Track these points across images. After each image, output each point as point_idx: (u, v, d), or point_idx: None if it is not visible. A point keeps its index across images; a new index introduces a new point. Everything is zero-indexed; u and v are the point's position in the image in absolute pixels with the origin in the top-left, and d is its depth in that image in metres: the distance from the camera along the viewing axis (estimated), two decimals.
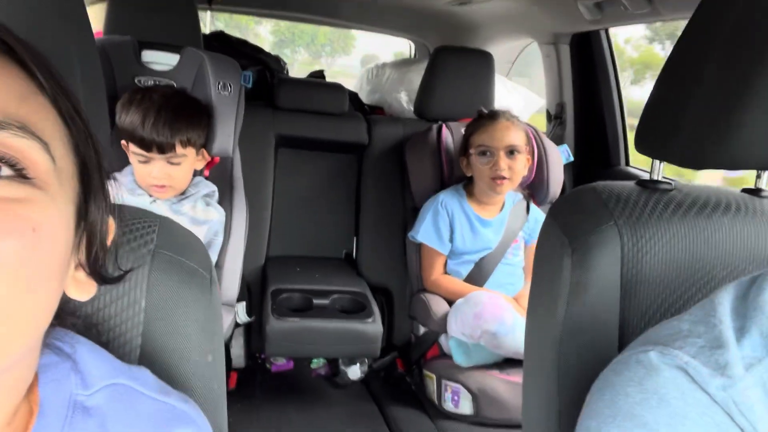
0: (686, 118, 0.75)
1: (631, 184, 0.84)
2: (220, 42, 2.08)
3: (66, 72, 0.60)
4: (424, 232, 1.62)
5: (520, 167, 1.56)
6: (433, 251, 1.62)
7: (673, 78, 0.79)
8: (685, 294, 0.75)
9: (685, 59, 0.77)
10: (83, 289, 0.45)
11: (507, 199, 1.66)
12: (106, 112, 0.69)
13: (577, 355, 0.73)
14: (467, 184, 1.66)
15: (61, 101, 0.42)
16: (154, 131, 1.26)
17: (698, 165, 0.76)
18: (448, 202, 1.62)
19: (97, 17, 1.56)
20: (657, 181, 0.84)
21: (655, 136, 0.81)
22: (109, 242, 0.48)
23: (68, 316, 0.57)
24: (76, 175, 0.43)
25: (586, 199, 0.80)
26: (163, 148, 1.28)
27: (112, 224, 0.48)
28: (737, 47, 0.71)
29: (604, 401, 0.53)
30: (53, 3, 0.59)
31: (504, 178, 1.51)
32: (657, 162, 0.85)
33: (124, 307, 0.62)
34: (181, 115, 1.30)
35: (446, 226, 1.61)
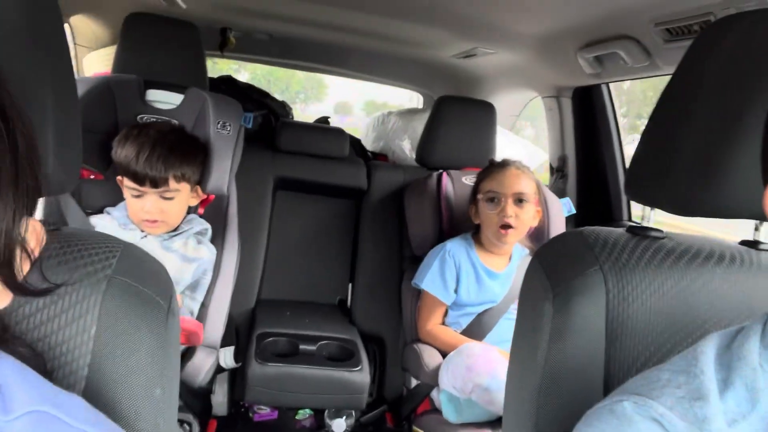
0: (676, 164, 0.72)
1: (620, 230, 0.81)
2: (228, 85, 2.13)
3: (36, 97, 0.60)
4: (429, 280, 1.56)
5: (528, 217, 1.52)
6: (434, 300, 1.56)
7: (662, 123, 0.77)
8: (676, 345, 0.70)
9: (674, 104, 0.76)
10: None
11: (514, 251, 1.61)
12: (79, 142, 0.68)
13: (557, 406, 0.68)
14: (475, 233, 1.62)
15: None
16: (147, 165, 1.27)
17: (689, 212, 0.73)
18: (455, 252, 1.57)
19: (108, 59, 1.60)
20: (648, 228, 0.80)
21: (646, 182, 0.79)
22: (36, 251, 0.45)
23: (14, 340, 0.54)
24: None
25: (572, 242, 0.76)
26: (157, 183, 1.28)
27: (38, 230, 0.46)
28: (725, 91, 0.69)
29: None
30: (31, 29, 0.59)
31: (510, 226, 1.48)
32: (648, 209, 0.82)
33: (72, 335, 0.59)
34: (175, 150, 1.30)
35: (452, 276, 1.55)
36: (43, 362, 0.57)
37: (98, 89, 1.44)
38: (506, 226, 1.47)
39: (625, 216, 1.86)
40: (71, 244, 0.63)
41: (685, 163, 0.72)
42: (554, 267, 0.74)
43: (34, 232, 0.45)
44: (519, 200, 1.50)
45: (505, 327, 1.54)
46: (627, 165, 1.86)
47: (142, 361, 0.59)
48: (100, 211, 1.42)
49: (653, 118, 0.78)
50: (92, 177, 1.47)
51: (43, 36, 0.60)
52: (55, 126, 0.61)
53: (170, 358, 0.62)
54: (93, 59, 2.07)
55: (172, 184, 1.30)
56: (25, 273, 0.45)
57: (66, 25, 1.89)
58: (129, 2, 1.76)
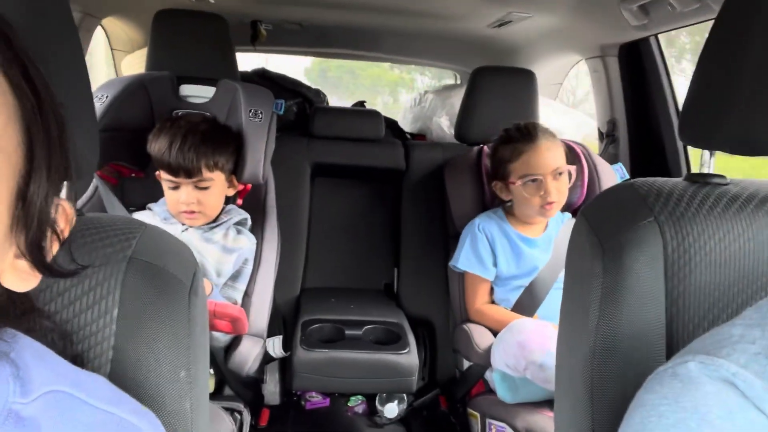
0: (734, 100, 0.64)
1: (677, 179, 0.73)
2: (262, 78, 2.13)
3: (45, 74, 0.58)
4: (464, 260, 1.53)
5: (566, 187, 1.47)
6: (476, 278, 1.52)
7: (715, 59, 0.69)
8: (747, 300, 0.62)
9: (727, 38, 0.67)
10: (22, 279, 0.41)
11: (552, 218, 1.54)
12: (95, 127, 0.67)
13: (614, 372, 0.61)
14: (505, 206, 1.57)
15: (8, 68, 0.39)
16: (180, 155, 1.27)
17: (753, 151, 0.65)
18: (485, 226, 1.53)
19: (144, 60, 1.62)
20: (708, 175, 0.72)
21: (702, 125, 0.70)
22: (66, 231, 0.43)
23: (40, 321, 0.53)
24: (21, 151, 0.39)
25: (622, 195, 0.69)
26: (190, 172, 1.29)
27: (68, 210, 0.44)
28: None
29: (634, 425, 0.42)
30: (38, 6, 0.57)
31: (553, 202, 1.43)
32: (707, 153, 0.73)
33: (95, 317, 0.58)
34: (207, 139, 1.31)
35: (487, 251, 1.50)
36: (71, 344, 0.56)
37: (133, 87, 1.46)
38: (550, 203, 1.42)
39: (684, 173, 1.73)
40: (92, 227, 0.62)
41: (744, 98, 0.64)
42: (602, 221, 0.67)
43: (63, 212, 0.44)
44: (559, 173, 1.44)
45: (556, 299, 1.46)
46: None
47: (166, 342, 0.57)
48: (142, 207, 1.44)
49: (704, 56, 0.70)
50: (133, 174, 1.49)
51: (46, 13, 0.58)
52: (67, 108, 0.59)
53: (195, 338, 0.60)
54: (130, 62, 2.12)
55: (206, 173, 1.30)
56: (53, 254, 0.43)
57: (100, 29, 1.93)
58: (158, 2, 1.78)
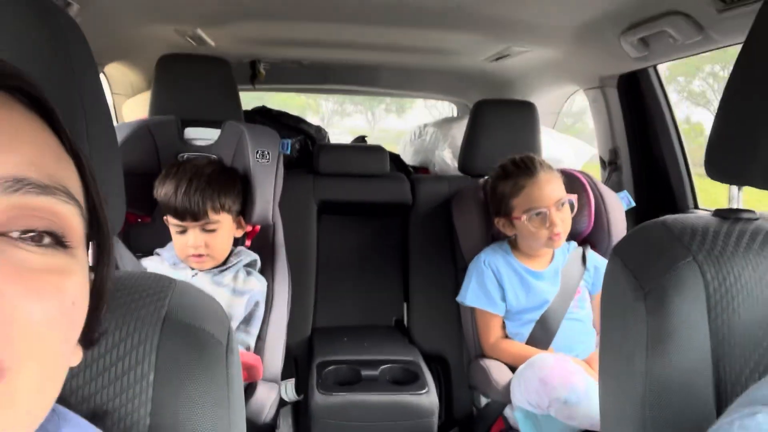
0: (764, 134, 0.64)
1: (706, 215, 0.73)
2: (262, 116, 2.14)
3: (70, 126, 0.58)
4: (471, 295, 1.52)
5: (569, 216, 1.48)
6: (486, 314, 1.51)
7: (741, 92, 0.69)
8: None
9: (753, 70, 0.68)
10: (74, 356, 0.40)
11: (558, 249, 1.54)
12: (121, 180, 0.66)
13: (667, 419, 0.60)
14: (510, 240, 1.57)
15: (80, 162, 0.39)
16: (185, 199, 1.27)
17: None
18: (491, 260, 1.53)
19: (145, 104, 1.62)
20: (738, 210, 0.72)
21: (729, 159, 0.70)
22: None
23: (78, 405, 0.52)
24: (85, 238, 0.39)
25: (655, 234, 0.69)
26: (196, 215, 1.28)
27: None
28: None
29: None
30: (55, 55, 0.57)
31: (559, 233, 1.43)
32: (735, 188, 0.73)
33: (131, 383, 0.55)
34: (212, 181, 1.31)
35: (494, 285, 1.50)
36: (103, 415, 0.54)
37: (138, 133, 1.45)
38: (556, 234, 1.43)
39: (691, 204, 1.74)
40: (122, 287, 0.60)
41: None
42: (640, 263, 0.66)
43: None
44: (561, 204, 1.45)
45: (570, 329, 1.46)
46: (686, 148, 1.75)
47: (206, 405, 0.55)
48: (149, 253, 1.42)
49: (730, 89, 0.70)
50: (139, 220, 1.47)
51: (74, 68, 0.58)
52: (94, 161, 0.58)
53: (234, 398, 0.58)
54: (131, 106, 2.12)
55: (212, 215, 1.30)
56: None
57: (101, 76, 1.93)
58: (160, 46, 1.79)
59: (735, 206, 0.73)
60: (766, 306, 0.62)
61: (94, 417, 0.54)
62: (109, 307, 0.58)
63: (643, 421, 0.61)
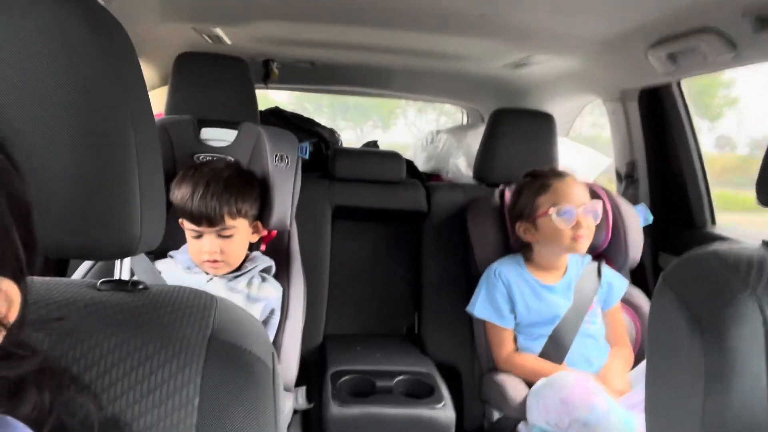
0: None
1: (756, 246, 0.71)
2: (276, 116, 2.11)
3: (120, 144, 0.55)
4: (480, 307, 1.51)
5: (594, 226, 1.47)
6: (496, 327, 1.50)
7: None
8: None
9: None
10: None
11: (570, 262, 1.53)
12: (163, 194, 0.64)
13: None
14: (525, 251, 1.55)
15: None
16: (202, 204, 1.24)
17: None
18: (502, 271, 1.52)
19: (159, 101, 1.59)
20: None
21: None
22: (10, 316, 0.40)
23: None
24: None
25: (710, 263, 0.67)
26: (212, 221, 1.25)
27: (11, 293, 0.41)
28: None
29: None
30: (105, 66, 0.54)
31: (583, 235, 1.43)
32: None
33: (175, 408, 0.53)
34: (229, 186, 1.27)
35: (504, 298, 1.49)
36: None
37: None
38: (579, 236, 1.42)
39: (709, 220, 1.73)
40: (164, 304, 0.58)
41: None
42: (696, 294, 0.64)
43: (4, 296, 0.40)
44: (587, 211, 1.45)
45: (583, 345, 1.45)
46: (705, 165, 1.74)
47: (252, 430, 0.53)
48: (163, 255, 1.39)
49: None
50: None
51: (121, 76, 0.55)
52: (141, 180, 0.56)
53: (281, 426, 0.56)
54: None
55: (228, 221, 1.27)
56: None
57: None
58: (176, 44, 1.76)
59: None
60: None
61: None
62: (150, 327, 0.56)
63: None
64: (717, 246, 0.70)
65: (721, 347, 0.59)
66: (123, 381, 0.52)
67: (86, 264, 1.33)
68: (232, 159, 1.46)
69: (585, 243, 1.45)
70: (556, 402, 1.21)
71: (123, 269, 0.65)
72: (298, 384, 1.47)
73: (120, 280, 0.62)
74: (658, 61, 1.43)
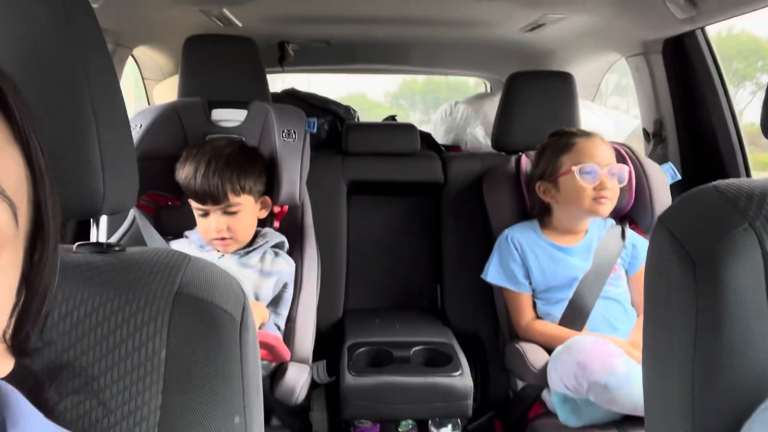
0: None
1: (762, 179, 0.66)
2: (291, 97, 2.11)
3: (74, 106, 0.56)
4: (493, 272, 1.48)
5: (618, 189, 1.42)
6: (513, 293, 1.46)
7: None
8: None
9: None
10: None
11: (592, 225, 1.47)
12: (133, 156, 0.64)
13: (715, 399, 0.54)
14: (542, 217, 1.51)
15: (35, 155, 0.36)
16: (204, 182, 1.25)
17: None
18: (515, 236, 1.48)
19: (176, 87, 1.61)
20: None
21: None
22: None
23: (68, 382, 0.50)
24: (29, 237, 0.36)
25: (707, 199, 0.62)
26: (217, 198, 1.26)
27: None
28: None
29: None
30: (57, 23, 0.54)
31: (606, 197, 1.37)
32: None
33: (142, 361, 0.53)
34: (231, 163, 1.28)
35: (517, 263, 1.45)
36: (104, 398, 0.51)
37: (165, 115, 1.45)
38: (603, 197, 1.37)
39: (743, 175, 1.63)
40: (134, 263, 0.58)
41: None
42: (689, 230, 0.60)
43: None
44: (612, 173, 1.40)
45: (606, 308, 1.40)
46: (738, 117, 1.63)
47: (218, 384, 0.53)
48: (179, 235, 1.42)
49: None
50: (169, 203, 1.47)
51: (74, 32, 0.55)
52: (101, 138, 0.56)
53: (249, 378, 0.55)
54: (161, 89, 2.13)
55: (233, 197, 1.27)
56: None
57: (131, 59, 1.94)
58: (187, 27, 1.78)
59: None
60: None
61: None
62: (119, 283, 0.57)
63: (690, 397, 0.55)
64: (719, 181, 0.65)
65: (714, 282, 0.55)
66: (90, 335, 0.53)
67: (113, 238, 1.38)
68: (243, 138, 1.47)
69: (608, 206, 1.39)
70: (573, 366, 1.17)
71: (100, 232, 0.65)
72: (319, 358, 1.49)
73: (96, 243, 0.62)
74: (677, 6, 1.35)
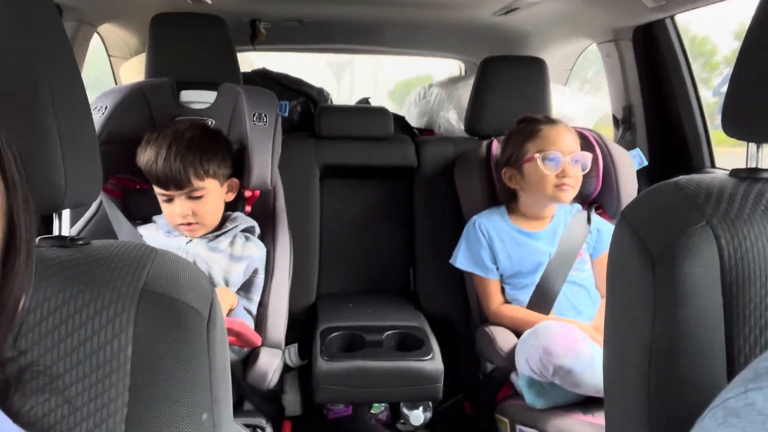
0: None
1: (722, 175, 0.68)
2: (263, 78, 2.07)
3: (34, 98, 0.54)
4: (462, 258, 1.51)
5: (581, 176, 1.45)
6: (482, 279, 1.49)
7: (763, 43, 0.63)
8: None
9: None
10: None
11: (558, 212, 1.50)
12: (95, 149, 0.63)
13: (673, 390, 0.57)
14: (509, 202, 1.54)
15: (8, 167, 0.35)
16: (166, 166, 1.22)
17: None
18: (483, 223, 1.50)
19: (143, 66, 1.57)
20: (756, 170, 0.67)
21: (748, 115, 0.65)
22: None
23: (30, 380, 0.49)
24: (1, 247, 0.36)
25: (668, 196, 0.64)
26: (179, 183, 1.23)
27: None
28: None
29: None
30: (23, 18, 0.53)
31: (568, 185, 1.40)
32: (754, 146, 0.68)
33: (108, 359, 0.53)
34: (193, 146, 1.25)
35: (485, 249, 1.48)
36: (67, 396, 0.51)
37: (132, 96, 1.41)
38: (565, 184, 1.40)
39: (708, 163, 1.67)
40: (98, 258, 0.57)
41: None
42: (649, 226, 0.62)
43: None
44: (575, 160, 1.42)
45: (571, 293, 1.44)
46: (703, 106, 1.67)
47: (185, 381, 0.53)
48: (147, 220, 1.39)
49: (748, 43, 0.65)
50: (137, 186, 1.44)
51: (37, 32, 0.54)
52: (61, 131, 0.55)
53: (217, 374, 0.56)
54: (129, 68, 2.07)
55: (196, 182, 1.25)
56: None
57: (96, 36, 1.88)
58: (154, 4, 1.73)
59: (754, 165, 0.68)
60: None
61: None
62: (83, 279, 0.56)
63: (647, 390, 0.57)
64: (680, 178, 0.67)
65: (672, 278, 0.57)
66: (54, 333, 0.53)
67: (79, 224, 1.35)
68: (213, 121, 1.44)
69: (570, 193, 1.42)
70: (540, 351, 1.20)
71: (63, 225, 0.64)
72: (290, 342, 1.49)
73: (59, 237, 0.61)
74: None
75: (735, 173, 0.67)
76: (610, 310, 0.67)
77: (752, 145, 0.68)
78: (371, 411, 1.59)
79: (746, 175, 0.66)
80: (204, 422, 0.52)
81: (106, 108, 1.37)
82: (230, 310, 1.27)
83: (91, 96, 1.42)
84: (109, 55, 2.04)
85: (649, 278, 0.59)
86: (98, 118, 1.35)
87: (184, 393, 0.52)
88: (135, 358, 0.53)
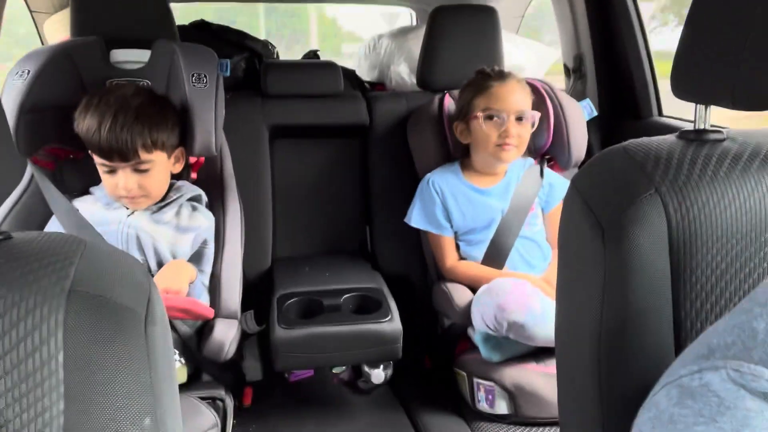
0: (738, 49, 0.58)
1: (671, 138, 0.67)
2: (201, 31, 1.94)
3: None
4: (416, 217, 1.51)
5: (527, 134, 1.44)
6: (436, 236, 1.50)
7: (712, 2, 0.62)
8: (756, 268, 0.59)
9: None
10: None
11: (512, 167, 1.50)
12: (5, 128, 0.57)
13: (622, 358, 0.58)
14: (462, 158, 1.53)
15: None
16: (111, 137, 1.14)
17: (761, 105, 0.60)
18: (436, 180, 1.50)
19: (68, 23, 1.44)
20: (704, 131, 0.67)
21: (697, 76, 0.64)
22: None
23: None
24: None
25: (617, 163, 0.63)
26: (125, 155, 1.15)
27: None
28: None
29: None
30: None
31: (510, 144, 1.40)
32: (702, 108, 0.68)
33: (37, 366, 0.49)
34: (141, 115, 1.16)
35: (438, 207, 1.48)
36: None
37: (57, 59, 1.30)
38: (507, 144, 1.40)
39: (655, 111, 1.69)
40: (19, 256, 0.53)
41: (752, 45, 0.57)
42: (599, 196, 0.61)
43: None
44: (519, 118, 1.41)
45: (524, 247, 1.46)
46: (652, 55, 1.67)
47: (123, 385, 0.50)
48: (85, 191, 1.31)
49: (697, 2, 0.63)
50: (71, 156, 1.35)
51: None
52: None
53: (159, 375, 0.53)
54: (54, 25, 1.90)
55: (144, 154, 1.17)
56: None
57: None
58: None
59: (702, 126, 0.67)
60: (730, 237, 0.59)
61: None
62: (6, 279, 0.51)
63: (597, 356, 0.58)
64: (630, 142, 0.67)
65: (621, 249, 0.57)
66: None
67: (8, 202, 1.26)
68: (148, 82, 1.35)
69: (512, 153, 1.42)
70: (493, 308, 1.23)
71: None
72: (247, 308, 1.47)
73: None
74: None
75: (683, 135, 0.67)
76: (562, 278, 0.67)
77: (700, 107, 0.67)
78: (333, 371, 1.60)
79: (694, 137, 0.66)
80: (147, 426, 0.50)
81: (28, 72, 1.26)
82: (189, 283, 1.22)
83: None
84: (30, 11, 1.86)
85: (599, 246, 0.59)
86: (20, 84, 1.24)
87: (123, 399, 0.49)
88: (67, 364, 0.49)
